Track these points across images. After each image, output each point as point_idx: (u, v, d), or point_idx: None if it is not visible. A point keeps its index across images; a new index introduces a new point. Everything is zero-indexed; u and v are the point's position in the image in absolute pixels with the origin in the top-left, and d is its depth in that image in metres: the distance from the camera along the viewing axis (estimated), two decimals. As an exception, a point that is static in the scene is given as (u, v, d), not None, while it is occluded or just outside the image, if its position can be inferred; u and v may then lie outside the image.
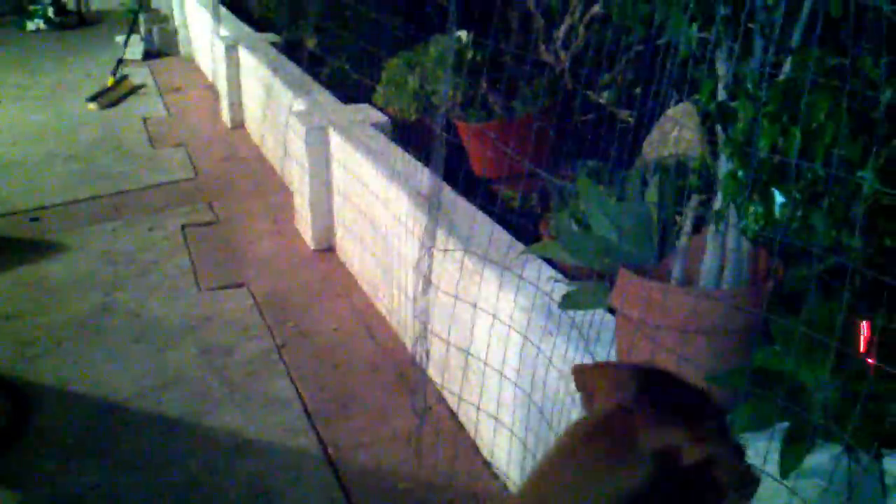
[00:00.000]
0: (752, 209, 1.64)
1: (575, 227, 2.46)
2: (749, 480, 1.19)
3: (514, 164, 3.76)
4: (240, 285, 4.26)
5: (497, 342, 2.70)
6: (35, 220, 5.18)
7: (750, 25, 1.74)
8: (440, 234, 3.01)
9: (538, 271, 2.65)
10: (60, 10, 11.15)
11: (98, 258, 4.60)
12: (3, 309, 4.10)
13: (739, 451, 1.19)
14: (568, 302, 2.34)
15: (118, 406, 3.35)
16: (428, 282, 2.79)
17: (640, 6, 1.93)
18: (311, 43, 5.68)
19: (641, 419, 1.16)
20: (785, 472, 1.75)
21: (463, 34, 4.02)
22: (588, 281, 2.35)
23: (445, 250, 2.97)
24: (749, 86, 1.63)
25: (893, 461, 1.75)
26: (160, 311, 4.05)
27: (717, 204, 1.83)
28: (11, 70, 8.73)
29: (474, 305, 2.80)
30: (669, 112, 2.90)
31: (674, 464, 1.13)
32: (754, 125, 1.67)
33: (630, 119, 3.48)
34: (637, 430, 1.15)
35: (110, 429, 3.24)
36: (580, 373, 1.34)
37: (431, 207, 2.96)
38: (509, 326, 2.60)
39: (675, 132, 2.83)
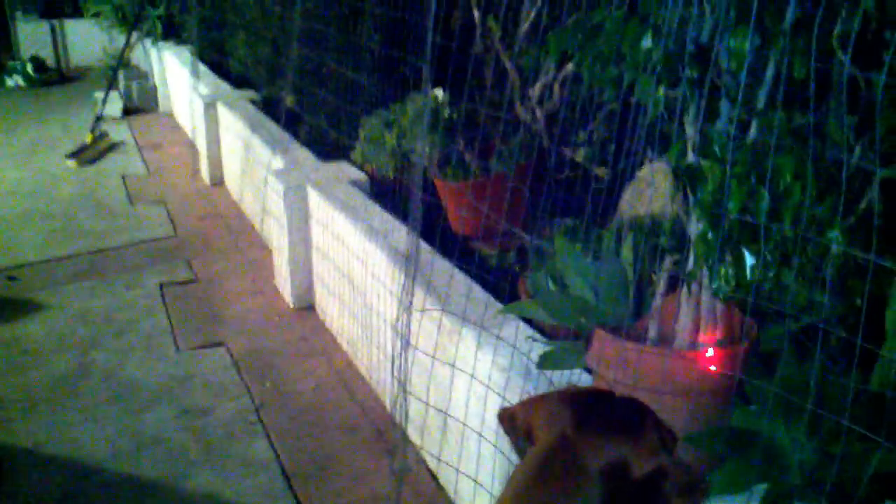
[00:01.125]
0: (723, 270, 1.66)
1: (552, 286, 2.47)
2: (696, 488, 1.23)
3: (492, 222, 3.79)
4: (218, 344, 4.24)
5: (475, 402, 2.69)
6: (12, 278, 5.15)
7: (717, 86, 1.77)
8: (418, 293, 3.01)
9: (516, 330, 2.65)
10: (39, 66, 11.22)
11: (75, 317, 4.57)
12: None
13: (682, 461, 1.23)
14: (545, 362, 2.34)
15: (94, 468, 3.30)
16: (406, 341, 2.78)
17: (608, 70, 1.96)
18: (289, 101, 5.72)
19: (584, 441, 1.19)
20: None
21: (439, 93, 4.06)
22: (566, 341, 2.36)
23: (423, 310, 2.97)
24: (716, 148, 1.66)
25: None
26: (137, 371, 4.01)
27: (690, 264, 1.85)
28: None
29: (452, 365, 2.79)
30: (644, 170, 2.93)
31: (622, 478, 1.17)
32: (723, 186, 1.69)
33: (605, 176, 3.51)
34: (582, 453, 1.18)
35: (86, 492, 3.18)
36: (508, 416, 1.35)
37: (409, 265, 2.96)
38: (487, 386, 2.59)
39: (650, 190, 2.85)
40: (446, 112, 4.04)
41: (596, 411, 1.28)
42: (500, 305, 2.83)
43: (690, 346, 1.92)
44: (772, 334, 1.90)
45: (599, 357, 1.98)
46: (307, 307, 4.56)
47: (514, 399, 2.44)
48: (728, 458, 1.83)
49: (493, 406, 2.56)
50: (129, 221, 6.07)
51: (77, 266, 5.29)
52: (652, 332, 2.01)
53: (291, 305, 4.58)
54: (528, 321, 2.73)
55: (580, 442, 1.21)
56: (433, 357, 2.82)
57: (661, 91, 1.85)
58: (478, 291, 3.03)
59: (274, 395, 3.79)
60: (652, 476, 1.20)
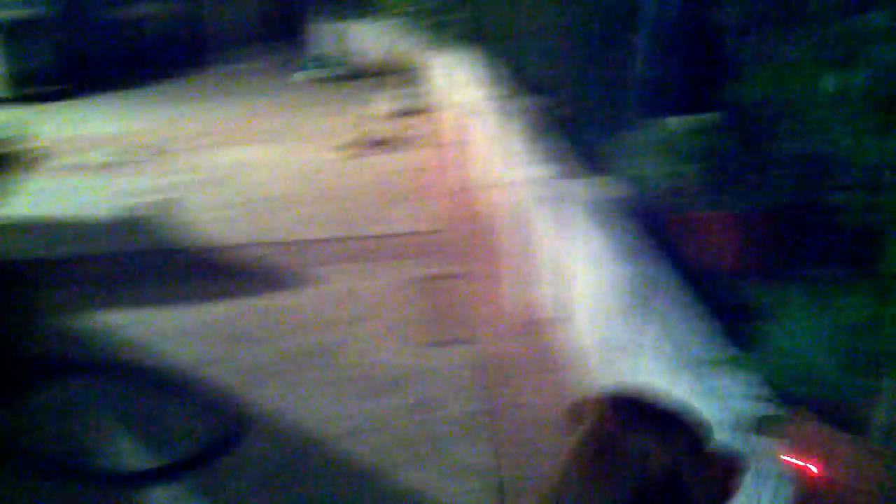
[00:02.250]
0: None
1: (782, 342, 2.27)
2: (718, 493, 1.36)
3: (757, 260, 3.55)
4: (464, 343, 4.32)
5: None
6: (286, 252, 5.54)
7: None
8: (650, 325, 2.90)
9: (743, 382, 2.47)
10: (328, 64, 12.02)
11: (338, 297, 4.85)
12: (244, 331, 4.43)
13: (714, 463, 1.35)
14: (764, 427, 2.16)
15: (319, 444, 3.50)
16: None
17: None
18: (565, 111, 5.68)
19: (618, 428, 1.35)
20: None
21: (709, 117, 3.86)
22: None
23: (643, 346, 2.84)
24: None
25: None
26: (382, 356, 4.20)
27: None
28: (278, 115, 9.54)
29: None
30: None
31: (652, 467, 1.31)
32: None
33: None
34: (615, 437, 1.35)
35: (305, 467, 3.37)
36: (576, 405, 1.45)
37: (645, 298, 2.86)
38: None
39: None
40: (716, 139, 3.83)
41: (634, 405, 1.42)
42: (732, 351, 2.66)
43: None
44: None
45: (795, 442, 1.78)
46: (560, 319, 4.53)
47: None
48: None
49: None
50: (394, 214, 6.36)
51: (349, 248, 5.61)
52: (879, 423, 1.77)
53: (544, 315, 4.56)
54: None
55: (614, 428, 1.35)
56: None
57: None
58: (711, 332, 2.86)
59: (510, 403, 3.79)
60: (677, 470, 1.31)
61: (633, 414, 1.41)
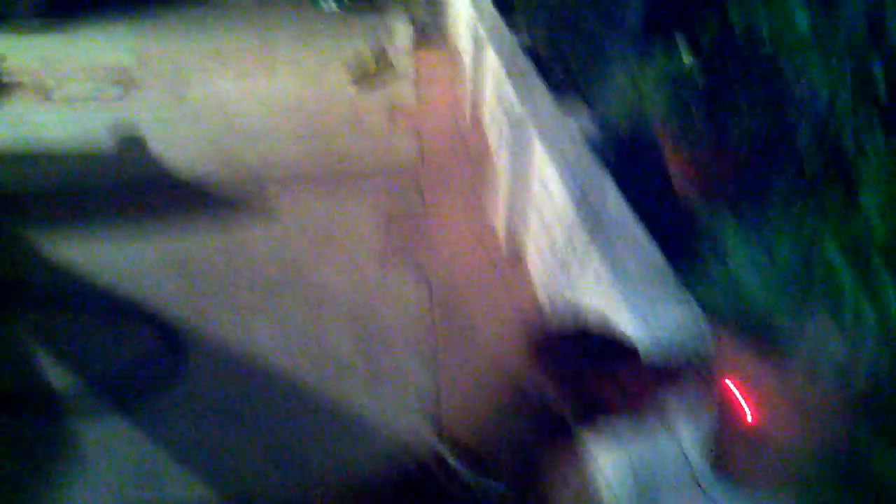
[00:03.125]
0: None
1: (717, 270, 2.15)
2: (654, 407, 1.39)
3: (725, 191, 3.43)
4: (421, 275, 4.24)
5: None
6: (262, 186, 5.42)
7: None
8: (594, 256, 2.78)
9: (689, 313, 2.36)
10: None
11: (302, 229, 4.77)
12: (199, 263, 4.34)
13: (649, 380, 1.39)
14: (693, 351, 2.05)
15: (269, 373, 3.46)
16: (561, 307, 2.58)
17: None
18: (543, 50, 5.53)
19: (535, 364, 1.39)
20: None
21: (687, 56, 3.72)
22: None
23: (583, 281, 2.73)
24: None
25: None
26: (337, 288, 4.13)
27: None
28: (292, 44, 9.29)
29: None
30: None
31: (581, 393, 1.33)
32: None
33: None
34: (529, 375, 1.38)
35: (257, 394, 3.34)
36: (522, 337, 1.48)
37: (594, 228, 2.74)
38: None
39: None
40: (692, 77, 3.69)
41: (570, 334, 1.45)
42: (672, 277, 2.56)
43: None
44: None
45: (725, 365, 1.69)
46: (519, 256, 4.42)
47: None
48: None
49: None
50: (381, 148, 6.21)
51: (321, 184, 5.48)
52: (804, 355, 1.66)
53: (505, 252, 4.45)
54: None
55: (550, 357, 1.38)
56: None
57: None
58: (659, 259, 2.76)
59: (458, 336, 3.72)
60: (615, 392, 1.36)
61: (568, 343, 1.45)
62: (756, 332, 1.81)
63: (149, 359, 3.58)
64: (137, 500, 2.83)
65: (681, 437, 1.96)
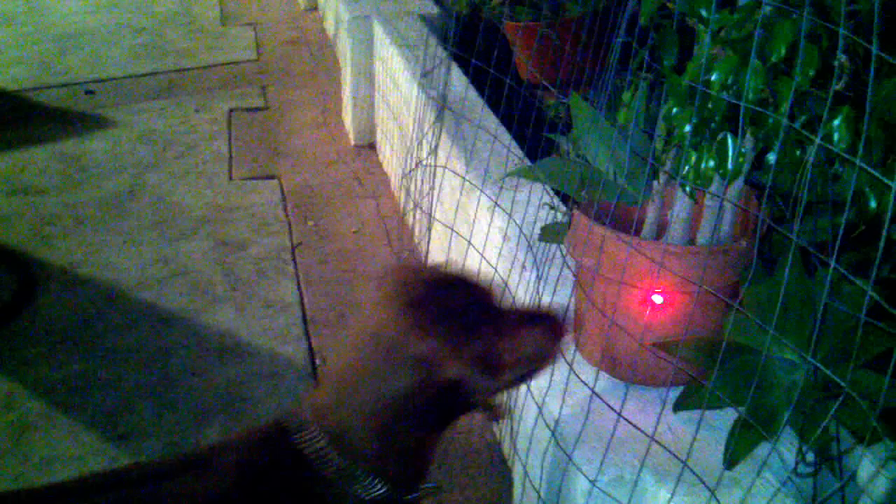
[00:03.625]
0: (697, 158, 1.35)
1: (572, 152, 2.18)
2: (494, 409, 1.28)
3: (563, 71, 3.45)
4: (271, 177, 4.13)
5: (484, 267, 2.47)
6: (90, 92, 5.13)
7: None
8: (444, 144, 2.76)
9: (539, 195, 2.38)
10: None
11: (140, 137, 4.53)
12: (32, 182, 4.07)
13: (495, 378, 1.24)
14: (545, 234, 2.09)
15: (121, 294, 3.28)
16: (419, 195, 2.57)
17: None
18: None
19: (413, 326, 1.21)
20: (731, 463, 1.50)
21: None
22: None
23: (425, 163, 2.72)
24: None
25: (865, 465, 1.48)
26: (185, 197, 3.95)
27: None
28: None
29: (473, 223, 2.57)
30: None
31: (431, 375, 1.19)
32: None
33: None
34: (407, 337, 1.20)
35: (107, 317, 3.16)
36: (387, 274, 1.35)
37: (438, 113, 2.71)
38: (498, 253, 2.37)
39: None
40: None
41: (446, 298, 1.27)
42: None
43: (682, 240, 1.63)
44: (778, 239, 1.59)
45: (573, 240, 1.72)
46: (368, 146, 4.36)
47: (504, 269, 2.21)
48: (711, 370, 1.57)
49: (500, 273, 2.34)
50: (215, 42, 5.94)
51: (154, 85, 5.23)
52: (650, 220, 1.72)
53: (352, 143, 4.39)
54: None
55: (411, 324, 1.21)
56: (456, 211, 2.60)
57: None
58: (514, 149, 2.75)
59: (314, 235, 3.66)
60: (456, 382, 1.19)
61: (440, 310, 1.27)
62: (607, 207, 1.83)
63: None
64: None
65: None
